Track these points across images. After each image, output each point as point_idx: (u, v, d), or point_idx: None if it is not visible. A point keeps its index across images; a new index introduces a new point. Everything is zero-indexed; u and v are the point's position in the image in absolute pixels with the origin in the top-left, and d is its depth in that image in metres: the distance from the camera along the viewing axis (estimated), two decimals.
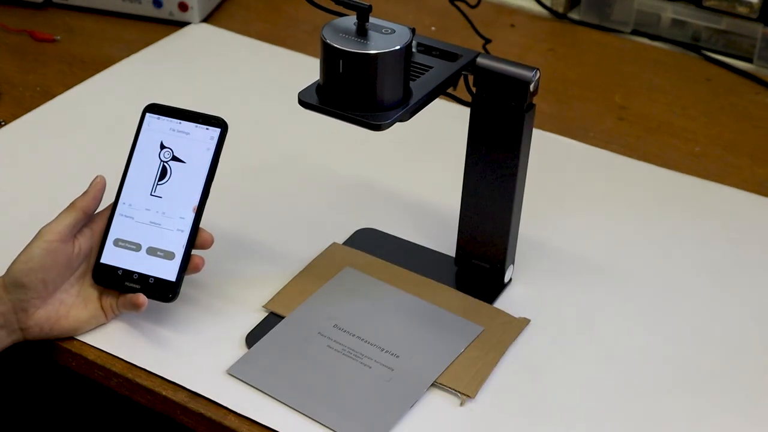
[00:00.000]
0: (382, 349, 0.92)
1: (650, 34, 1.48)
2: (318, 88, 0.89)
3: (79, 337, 0.94)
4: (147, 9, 1.45)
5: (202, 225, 0.94)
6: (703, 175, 1.20)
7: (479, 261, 1.01)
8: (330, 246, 1.05)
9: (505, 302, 1.00)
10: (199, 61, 1.39)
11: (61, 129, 1.24)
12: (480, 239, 1.00)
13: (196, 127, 0.95)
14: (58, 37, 1.42)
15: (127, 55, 1.38)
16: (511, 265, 1.02)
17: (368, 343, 0.93)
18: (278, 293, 0.99)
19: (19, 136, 1.22)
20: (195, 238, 0.94)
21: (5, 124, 1.24)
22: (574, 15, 1.53)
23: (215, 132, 0.95)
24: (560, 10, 1.52)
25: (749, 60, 1.42)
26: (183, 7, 1.44)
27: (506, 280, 1.02)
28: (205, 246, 0.95)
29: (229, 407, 0.89)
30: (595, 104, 1.33)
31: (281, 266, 1.03)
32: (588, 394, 0.91)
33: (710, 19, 1.42)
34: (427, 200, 1.13)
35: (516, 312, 0.98)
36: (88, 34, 1.44)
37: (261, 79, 1.35)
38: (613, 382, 0.92)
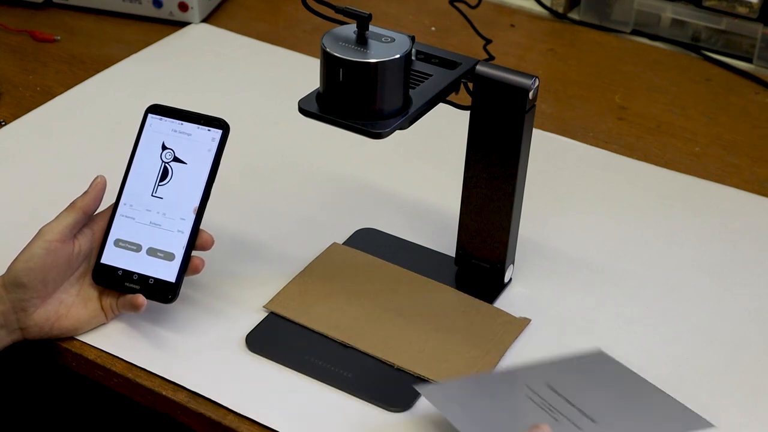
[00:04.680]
0: (581, 412, 0.87)
1: (650, 34, 1.48)
2: (318, 96, 0.89)
3: (79, 337, 0.94)
4: (147, 9, 1.45)
5: (202, 226, 0.94)
6: (703, 175, 1.20)
7: (479, 261, 1.01)
8: (330, 246, 1.06)
9: (505, 302, 1.00)
10: (199, 61, 1.39)
11: (61, 129, 1.24)
12: (480, 239, 1.00)
13: (198, 128, 0.95)
14: (58, 37, 1.42)
15: (127, 55, 1.38)
16: (511, 265, 1.02)
17: (570, 403, 0.88)
18: (278, 293, 0.99)
19: (19, 136, 1.23)
20: (195, 239, 0.94)
21: (5, 124, 1.24)
22: (574, 15, 1.53)
23: (217, 133, 0.95)
24: (560, 10, 1.52)
25: (749, 60, 1.42)
26: (183, 7, 1.44)
27: (506, 280, 1.02)
28: (206, 247, 0.95)
29: (229, 407, 0.89)
30: (595, 104, 1.33)
31: (281, 266, 1.03)
32: None
33: (710, 19, 1.42)
34: (427, 200, 1.13)
35: (516, 312, 0.98)
36: (88, 34, 1.44)
37: (261, 79, 1.35)
38: None
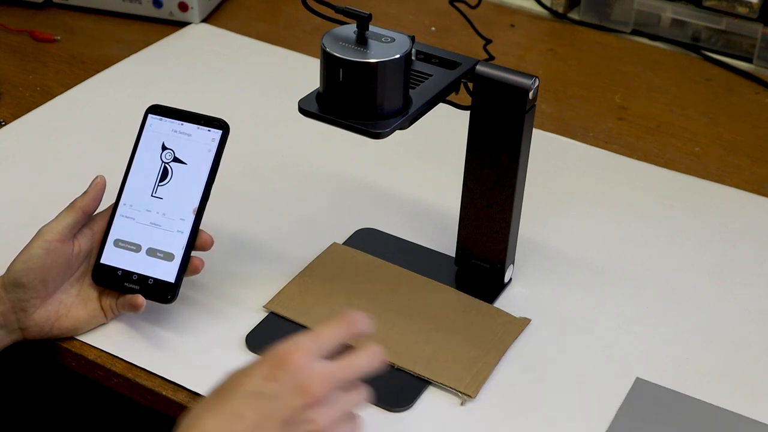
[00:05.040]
0: None
1: (650, 34, 1.48)
2: (318, 95, 0.89)
3: (79, 338, 0.94)
4: (147, 9, 1.45)
5: (202, 226, 0.94)
6: (703, 175, 1.20)
7: (479, 261, 1.01)
8: (330, 246, 1.06)
9: (505, 302, 1.00)
10: (199, 61, 1.39)
11: (61, 129, 1.24)
12: (480, 239, 1.00)
13: (198, 128, 0.95)
14: (58, 37, 1.42)
15: (127, 55, 1.38)
16: (511, 265, 1.02)
17: None
18: (278, 293, 0.99)
19: (19, 136, 1.23)
20: (195, 239, 0.94)
21: (5, 124, 1.24)
22: (574, 15, 1.53)
23: (217, 134, 0.95)
24: (560, 10, 1.52)
25: (749, 60, 1.42)
26: (183, 7, 1.44)
27: (506, 280, 1.02)
28: (205, 248, 0.95)
29: None
30: (595, 104, 1.33)
31: (281, 266, 1.03)
32: (588, 394, 0.91)
33: (710, 19, 1.42)
34: (427, 200, 1.13)
35: (516, 312, 0.98)
36: (88, 34, 1.44)
37: (261, 79, 1.35)
38: (613, 381, 0.92)
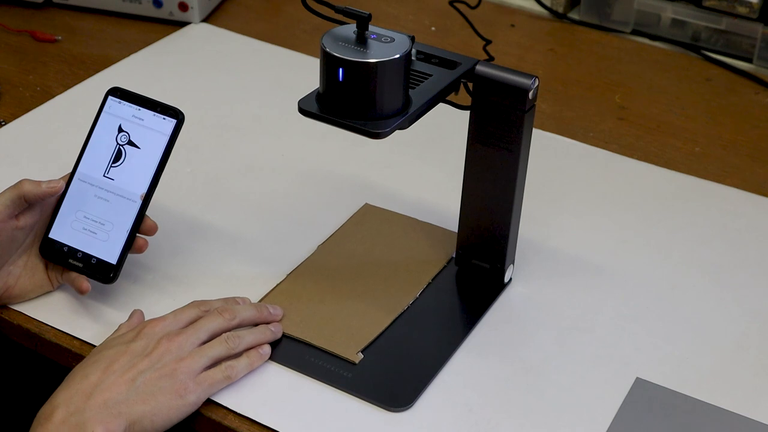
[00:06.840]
0: None
1: (650, 34, 1.48)
2: (318, 95, 0.89)
3: (80, 338, 0.95)
4: (147, 9, 1.45)
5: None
6: (703, 175, 1.20)
7: (479, 261, 1.01)
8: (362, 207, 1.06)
9: (505, 302, 1.00)
10: (199, 61, 1.39)
11: (61, 129, 1.24)
12: (480, 239, 1.00)
13: (154, 115, 0.97)
14: (59, 37, 1.42)
15: (127, 55, 1.38)
16: (511, 265, 1.02)
17: None
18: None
19: (19, 136, 1.23)
20: (140, 223, 0.95)
21: (5, 124, 1.24)
22: (574, 15, 1.53)
23: (171, 122, 0.96)
24: (560, 10, 1.52)
25: (749, 60, 1.42)
26: (183, 7, 1.44)
27: (506, 280, 1.02)
28: (149, 233, 0.97)
29: (229, 407, 0.89)
30: (595, 104, 1.33)
31: (280, 266, 1.03)
32: (588, 394, 0.91)
33: (710, 19, 1.42)
34: (427, 200, 1.13)
35: (516, 312, 0.99)
36: (88, 34, 1.44)
37: (261, 79, 1.35)
38: (613, 381, 0.92)
